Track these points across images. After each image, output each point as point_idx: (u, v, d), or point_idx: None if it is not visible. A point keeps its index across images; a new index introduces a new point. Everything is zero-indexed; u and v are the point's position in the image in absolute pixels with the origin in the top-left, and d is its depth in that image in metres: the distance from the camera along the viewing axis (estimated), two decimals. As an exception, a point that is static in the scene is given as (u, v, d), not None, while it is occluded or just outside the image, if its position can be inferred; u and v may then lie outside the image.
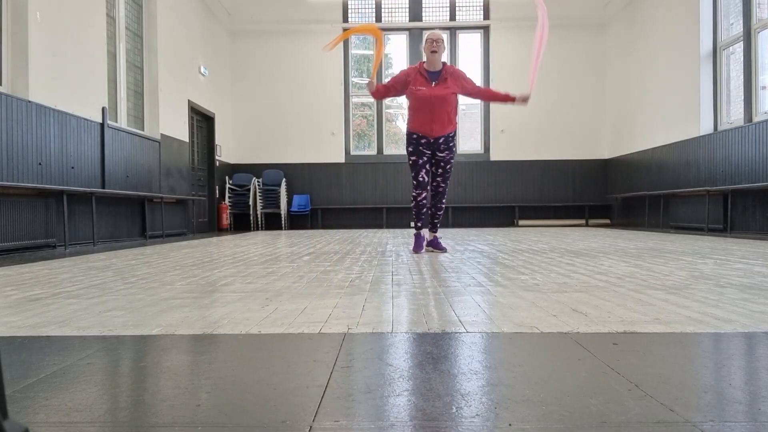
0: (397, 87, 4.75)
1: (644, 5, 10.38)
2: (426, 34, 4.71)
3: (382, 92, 4.88)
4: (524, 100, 4.67)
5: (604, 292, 2.41)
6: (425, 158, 4.70)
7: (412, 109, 4.69)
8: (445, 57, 4.72)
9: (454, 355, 1.45)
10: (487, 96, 4.94)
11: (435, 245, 4.90)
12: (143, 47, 8.50)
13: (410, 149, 4.73)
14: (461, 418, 1.00)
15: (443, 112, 4.58)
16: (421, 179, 4.72)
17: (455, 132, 4.74)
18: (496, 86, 12.02)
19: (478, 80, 12.24)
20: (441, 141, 4.66)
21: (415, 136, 4.69)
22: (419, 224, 4.88)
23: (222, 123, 11.49)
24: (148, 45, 8.56)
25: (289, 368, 1.33)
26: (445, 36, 4.78)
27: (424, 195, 4.77)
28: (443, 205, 4.88)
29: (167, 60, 8.92)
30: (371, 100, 12.39)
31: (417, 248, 4.81)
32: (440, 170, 4.74)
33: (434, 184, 4.79)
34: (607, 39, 11.98)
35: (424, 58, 4.69)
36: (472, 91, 4.79)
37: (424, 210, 4.83)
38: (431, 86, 4.57)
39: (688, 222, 8.73)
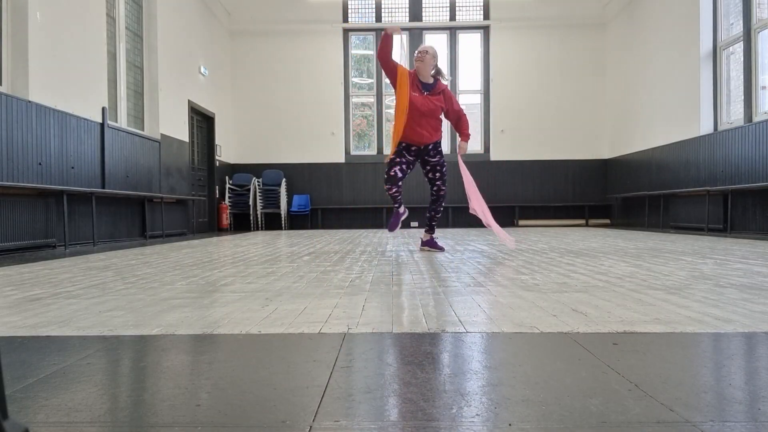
0: (394, 72, 4.73)
1: (644, 5, 10.38)
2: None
3: (388, 56, 4.71)
4: (462, 149, 4.99)
5: (604, 292, 2.41)
6: (404, 160, 4.82)
7: (402, 114, 4.69)
8: (444, 61, 4.81)
9: (454, 355, 1.45)
10: (460, 124, 4.93)
11: (431, 245, 5.01)
12: (143, 47, 8.50)
13: (395, 150, 4.83)
14: (461, 418, 1.00)
15: (433, 121, 4.79)
16: (393, 174, 4.78)
17: (440, 139, 4.92)
18: (496, 87, 12.07)
19: (477, 80, 12.26)
20: (430, 147, 4.83)
21: (404, 144, 4.80)
22: (396, 205, 5.01)
23: (222, 123, 11.49)
24: (148, 45, 8.56)
25: (289, 368, 1.33)
26: (433, 49, 4.86)
27: (394, 189, 4.83)
28: (442, 208, 5.01)
29: (167, 60, 8.93)
30: (371, 100, 12.37)
31: (392, 227, 5.03)
32: (438, 174, 4.86)
33: (434, 189, 4.89)
34: (607, 39, 11.98)
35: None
36: (456, 111, 4.90)
37: (399, 197, 4.91)
38: (424, 95, 4.75)
39: (688, 222, 8.73)
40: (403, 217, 5.07)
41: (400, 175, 4.81)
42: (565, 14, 11.94)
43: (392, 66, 4.76)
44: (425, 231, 5.09)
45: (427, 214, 5.03)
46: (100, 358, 1.45)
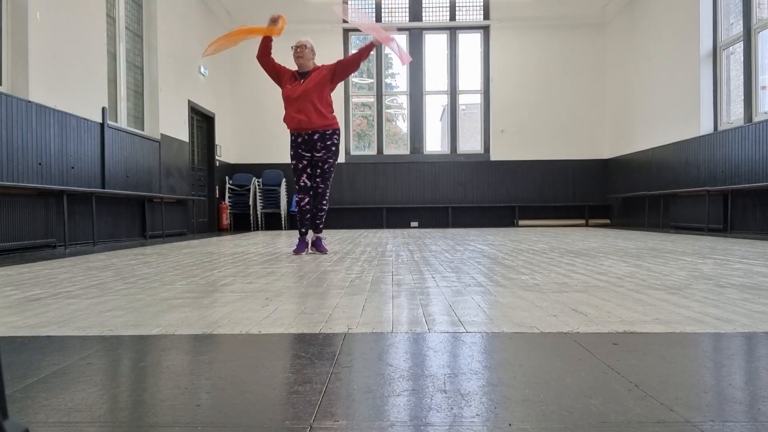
0: (274, 69, 4.89)
1: (644, 5, 10.38)
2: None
3: (266, 50, 4.93)
4: (379, 39, 4.67)
5: (604, 292, 2.41)
6: (305, 162, 4.79)
7: (285, 107, 4.82)
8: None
9: (454, 355, 1.45)
10: (356, 57, 4.81)
11: (316, 246, 4.91)
12: (143, 47, 8.49)
13: (291, 153, 4.85)
14: (461, 418, 1.00)
15: (308, 103, 4.66)
16: (302, 184, 4.81)
17: (335, 131, 4.76)
18: (496, 87, 12.06)
19: (477, 80, 12.26)
20: (317, 138, 4.71)
21: (293, 137, 4.82)
22: (303, 229, 4.90)
23: (222, 123, 11.49)
24: (148, 45, 8.56)
25: (289, 368, 1.33)
26: (310, 41, 4.97)
27: (306, 200, 4.82)
28: (325, 207, 4.89)
29: (167, 60, 8.92)
30: (371, 100, 12.35)
31: (297, 250, 4.79)
32: (318, 170, 4.78)
33: (313, 185, 4.82)
34: (607, 39, 11.98)
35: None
36: (343, 62, 4.83)
37: (308, 216, 4.88)
38: (300, 83, 4.74)
39: (688, 222, 8.73)
40: (307, 247, 4.87)
41: (309, 183, 4.81)
42: (565, 14, 11.93)
43: (272, 66, 4.87)
44: (312, 230, 4.95)
45: (310, 213, 4.91)
46: (100, 358, 1.45)
